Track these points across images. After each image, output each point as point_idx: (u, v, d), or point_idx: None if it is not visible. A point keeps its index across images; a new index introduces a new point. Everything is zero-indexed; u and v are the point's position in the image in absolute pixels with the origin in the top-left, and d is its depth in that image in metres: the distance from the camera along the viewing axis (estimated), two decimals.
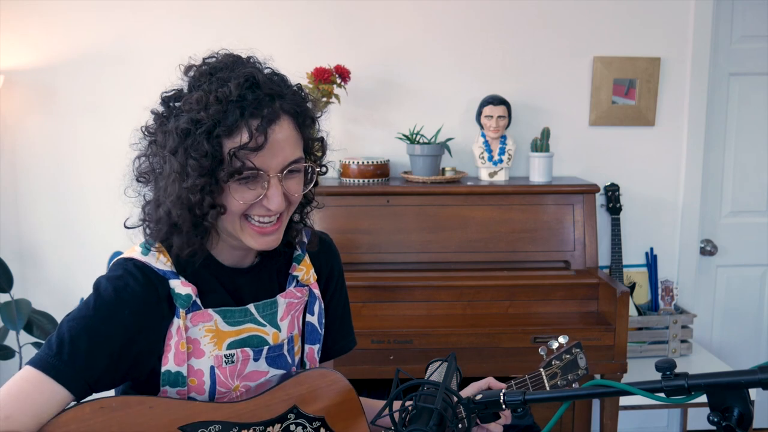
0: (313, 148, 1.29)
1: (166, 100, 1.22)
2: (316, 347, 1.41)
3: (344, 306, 1.51)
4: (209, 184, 1.15)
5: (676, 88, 3.10)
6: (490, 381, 1.39)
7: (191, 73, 1.21)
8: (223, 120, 1.13)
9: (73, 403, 1.13)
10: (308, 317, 1.39)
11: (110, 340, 1.14)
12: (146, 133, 1.23)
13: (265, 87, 1.17)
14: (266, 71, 1.22)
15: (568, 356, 1.57)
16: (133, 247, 1.25)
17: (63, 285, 3.11)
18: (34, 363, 1.11)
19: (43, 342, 2.79)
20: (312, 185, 1.29)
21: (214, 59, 1.22)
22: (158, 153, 1.20)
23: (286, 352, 1.33)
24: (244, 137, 1.13)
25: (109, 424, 1.11)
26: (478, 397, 1.15)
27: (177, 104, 1.19)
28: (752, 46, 3.15)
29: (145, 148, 1.23)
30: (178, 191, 1.16)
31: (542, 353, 1.57)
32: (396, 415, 1.09)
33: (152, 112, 1.23)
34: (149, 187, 1.24)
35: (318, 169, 1.31)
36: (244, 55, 1.23)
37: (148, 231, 1.25)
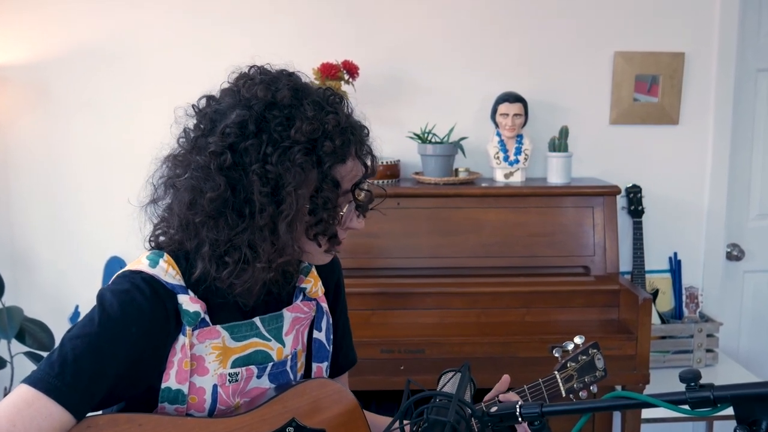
0: None
1: (261, 126, 1.14)
2: (324, 365, 1.38)
3: (347, 317, 1.52)
4: (334, 217, 1.21)
5: (701, 84, 3.07)
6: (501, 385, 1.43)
7: (276, 95, 1.15)
8: (340, 148, 1.18)
9: None
10: (315, 334, 1.37)
11: (115, 360, 1.11)
12: (230, 170, 1.13)
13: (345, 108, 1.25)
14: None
15: (584, 357, 1.54)
16: (139, 259, 1.20)
17: (57, 291, 3.08)
18: (35, 383, 1.05)
19: (35, 351, 2.83)
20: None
21: (269, 77, 1.19)
22: (262, 191, 1.13)
23: (288, 368, 1.31)
24: (359, 165, 1.24)
25: None
26: (493, 409, 1.13)
27: (281, 133, 1.14)
28: None
29: (224, 186, 1.13)
30: (290, 229, 1.15)
31: (557, 355, 1.54)
32: (407, 429, 1.09)
33: (230, 147, 1.13)
34: (220, 225, 1.14)
35: None
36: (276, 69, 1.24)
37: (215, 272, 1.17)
